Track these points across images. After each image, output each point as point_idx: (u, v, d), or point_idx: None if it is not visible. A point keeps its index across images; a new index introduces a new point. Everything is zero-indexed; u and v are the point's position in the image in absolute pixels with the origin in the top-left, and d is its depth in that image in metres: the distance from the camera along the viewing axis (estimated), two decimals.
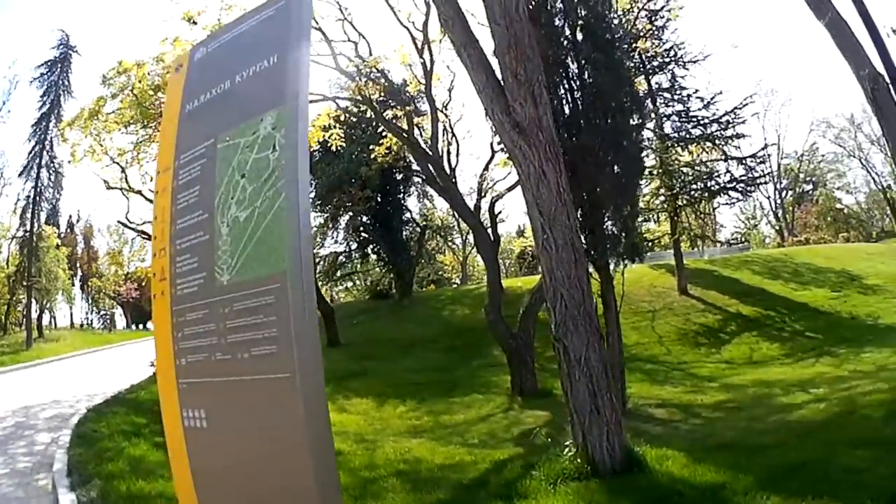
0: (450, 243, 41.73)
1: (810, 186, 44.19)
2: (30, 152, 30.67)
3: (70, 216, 46.21)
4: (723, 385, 10.84)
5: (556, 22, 9.18)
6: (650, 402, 9.77)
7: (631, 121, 9.13)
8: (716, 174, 19.68)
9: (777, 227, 43.43)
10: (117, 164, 18.80)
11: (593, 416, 5.09)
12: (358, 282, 39.28)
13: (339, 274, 32.30)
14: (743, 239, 42.19)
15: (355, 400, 11.60)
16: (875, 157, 40.65)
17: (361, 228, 28.14)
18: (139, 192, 19.60)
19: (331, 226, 28.59)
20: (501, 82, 5.64)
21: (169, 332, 3.09)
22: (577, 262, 5.31)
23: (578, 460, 5.01)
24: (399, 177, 26.18)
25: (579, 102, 8.82)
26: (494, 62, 5.83)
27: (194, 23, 14.51)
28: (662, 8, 19.20)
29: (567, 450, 5.26)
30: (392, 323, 21.24)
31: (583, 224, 8.14)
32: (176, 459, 3.09)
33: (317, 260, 27.56)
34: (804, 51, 62.05)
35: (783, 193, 42.78)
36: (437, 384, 12.96)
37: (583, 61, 9.07)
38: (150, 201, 19.69)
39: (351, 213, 27.14)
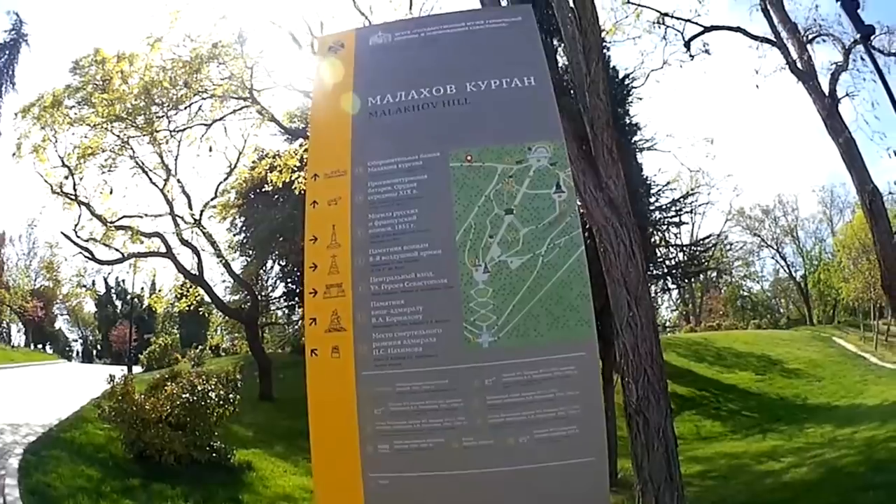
0: None
1: (715, 274, 47.84)
2: None
3: None
4: (689, 458, 11.41)
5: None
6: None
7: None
8: (658, 259, 20.99)
9: (684, 312, 46.54)
10: (66, 166, 16.97)
11: (667, 483, 5.40)
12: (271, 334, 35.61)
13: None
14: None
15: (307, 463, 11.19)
16: (786, 248, 45.76)
17: (289, 279, 27.48)
18: (87, 204, 17.68)
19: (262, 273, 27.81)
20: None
21: (348, 407, 2.29)
22: (656, 338, 5.71)
23: None
24: None
25: None
26: None
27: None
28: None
29: None
30: None
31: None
32: None
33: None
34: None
35: (691, 280, 45.72)
36: None
37: None
38: (99, 217, 17.93)
39: (282, 262, 26.65)
